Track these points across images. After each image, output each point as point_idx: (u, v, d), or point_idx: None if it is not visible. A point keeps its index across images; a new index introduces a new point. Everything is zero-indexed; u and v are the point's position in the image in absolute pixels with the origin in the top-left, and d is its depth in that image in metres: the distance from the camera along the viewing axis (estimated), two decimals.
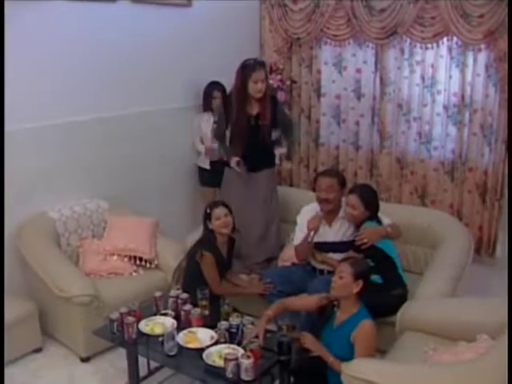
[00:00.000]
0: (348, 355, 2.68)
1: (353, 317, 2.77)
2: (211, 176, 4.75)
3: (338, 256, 3.61)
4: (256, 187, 4.20)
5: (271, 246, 4.27)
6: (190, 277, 3.55)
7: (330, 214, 3.69)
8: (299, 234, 3.76)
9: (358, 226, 3.54)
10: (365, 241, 3.40)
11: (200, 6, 4.82)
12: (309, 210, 3.79)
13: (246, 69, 3.93)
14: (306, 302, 3.12)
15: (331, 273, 3.62)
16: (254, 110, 4.04)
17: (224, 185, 4.34)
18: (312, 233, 3.61)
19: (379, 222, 3.57)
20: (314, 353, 2.82)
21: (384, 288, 3.35)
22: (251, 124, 4.04)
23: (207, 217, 3.53)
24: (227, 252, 3.64)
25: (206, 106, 4.82)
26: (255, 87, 3.93)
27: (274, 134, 4.23)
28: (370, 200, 3.55)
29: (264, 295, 3.67)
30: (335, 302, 2.92)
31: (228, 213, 3.54)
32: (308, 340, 2.86)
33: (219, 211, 3.52)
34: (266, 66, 4.09)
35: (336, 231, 3.70)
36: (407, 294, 3.45)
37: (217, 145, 4.42)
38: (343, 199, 3.70)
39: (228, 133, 4.19)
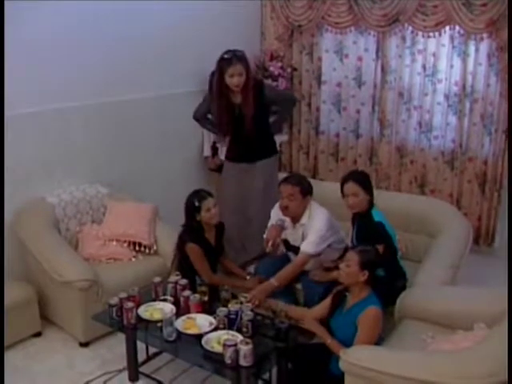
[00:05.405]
0: (353, 339, 2.70)
1: (362, 301, 2.79)
2: None
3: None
4: (253, 179, 4.16)
5: None
6: (182, 266, 3.54)
7: (293, 218, 3.61)
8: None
9: (361, 213, 3.51)
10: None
11: None
12: (275, 213, 3.73)
13: (222, 62, 3.86)
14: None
15: None
16: (238, 99, 3.98)
17: (222, 178, 4.36)
18: (270, 242, 3.53)
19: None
20: (314, 339, 2.83)
21: (387, 280, 3.33)
22: (235, 114, 3.98)
23: (196, 209, 3.47)
24: (215, 238, 3.62)
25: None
26: (231, 81, 3.86)
27: (271, 119, 4.21)
28: (366, 182, 3.54)
29: None
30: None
31: (216, 203, 3.52)
32: (306, 320, 2.88)
33: (209, 203, 3.48)
34: (246, 59, 3.92)
35: (297, 235, 3.62)
36: (407, 284, 3.46)
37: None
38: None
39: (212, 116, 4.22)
